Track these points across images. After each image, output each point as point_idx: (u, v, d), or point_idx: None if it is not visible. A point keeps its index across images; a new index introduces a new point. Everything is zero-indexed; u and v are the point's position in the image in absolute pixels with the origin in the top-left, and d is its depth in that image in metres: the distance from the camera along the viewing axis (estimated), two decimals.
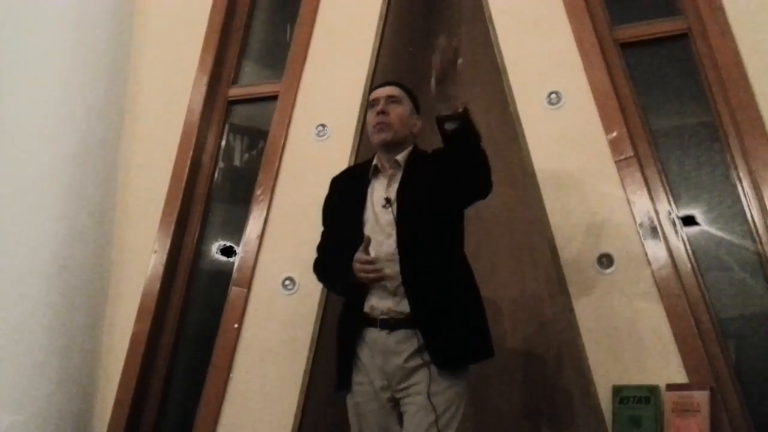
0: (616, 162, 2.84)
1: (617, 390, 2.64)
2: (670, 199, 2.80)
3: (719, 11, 2.84)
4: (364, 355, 2.32)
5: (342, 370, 2.37)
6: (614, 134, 2.86)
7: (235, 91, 3.65)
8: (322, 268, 2.54)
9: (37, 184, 3.29)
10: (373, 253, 2.26)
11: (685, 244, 2.74)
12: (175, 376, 3.38)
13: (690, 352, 2.60)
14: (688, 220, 2.79)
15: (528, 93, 3.02)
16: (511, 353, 3.21)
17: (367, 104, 2.56)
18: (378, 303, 2.29)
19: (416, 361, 2.23)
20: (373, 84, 3.25)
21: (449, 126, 2.13)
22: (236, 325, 3.17)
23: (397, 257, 2.27)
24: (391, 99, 2.45)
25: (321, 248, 2.56)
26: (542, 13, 3.08)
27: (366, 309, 2.31)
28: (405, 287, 2.25)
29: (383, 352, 2.27)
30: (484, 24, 3.20)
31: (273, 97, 3.49)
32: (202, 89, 3.56)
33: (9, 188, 3.27)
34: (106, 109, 3.55)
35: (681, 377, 2.59)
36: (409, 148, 2.45)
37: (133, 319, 3.32)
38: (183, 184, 3.45)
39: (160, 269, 3.35)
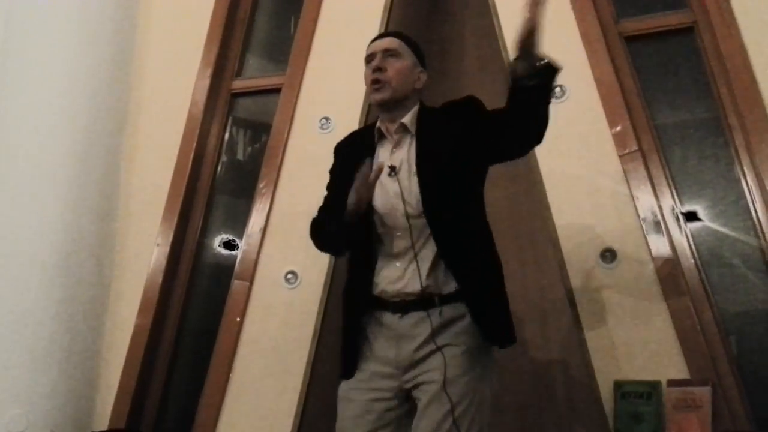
0: (620, 156, 2.83)
1: (619, 385, 2.63)
2: (674, 194, 2.80)
3: (725, 5, 2.82)
4: (376, 341, 2.12)
5: (349, 357, 2.15)
6: (618, 128, 2.85)
7: (238, 84, 3.64)
8: (317, 224, 2.29)
9: (40, 175, 3.30)
10: (382, 229, 2.11)
11: (688, 240, 2.74)
12: (177, 369, 3.38)
13: (692, 347, 2.60)
14: (692, 216, 2.78)
15: None
16: (513, 347, 3.19)
17: (365, 60, 2.26)
18: (388, 286, 2.08)
19: (430, 347, 2.03)
20: None
21: (528, 81, 1.95)
22: (238, 319, 3.17)
23: (408, 231, 2.08)
24: (388, 53, 2.18)
25: (321, 209, 2.32)
26: (547, 6, 3.05)
27: (376, 292, 2.11)
28: (418, 262, 2.05)
29: (396, 338, 2.07)
30: (489, 17, 3.19)
31: (276, 90, 3.48)
32: (206, 82, 3.56)
33: (12, 179, 3.29)
34: (110, 101, 3.55)
35: (683, 373, 2.59)
36: (415, 108, 2.20)
37: (135, 312, 3.33)
38: (186, 177, 3.45)
39: (163, 262, 3.36)
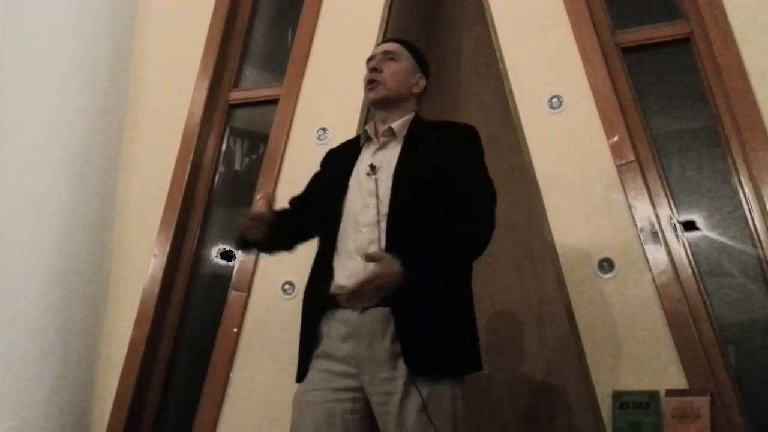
0: (617, 166, 2.82)
1: (617, 395, 2.62)
2: (671, 203, 2.79)
3: (721, 16, 2.83)
4: (333, 341, 2.05)
5: (304, 358, 2.10)
6: (615, 138, 2.85)
7: (235, 95, 3.64)
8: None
9: (36, 187, 3.29)
10: (350, 224, 2.07)
11: (686, 249, 2.73)
12: (173, 380, 3.36)
13: (690, 357, 2.59)
14: (689, 225, 2.78)
15: (529, 97, 3.01)
16: (511, 358, 3.21)
17: (366, 64, 2.30)
18: (348, 281, 1.99)
19: (396, 347, 1.96)
20: None
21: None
22: (235, 330, 3.16)
23: (376, 229, 2.03)
24: (387, 55, 2.23)
25: (291, 199, 2.33)
26: (544, 16, 3.08)
27: (334, 288, 2.04)
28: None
29: (355, 335, 2.00)
30: (486, 28, 3.19)
31: (274, 101, 3.48)
32: (203, 93, 3.55)
33: (8, 192, 3.28)
34: (107, 112, 3.55)
35: (681, 383, 2.58)
36: (409, 117, 2.21)
37: (132, 324, 3.31)
38: (183, 187, 3.44)
39: (160, 273, 3.34)
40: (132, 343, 3.29)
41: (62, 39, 3.48)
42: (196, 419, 3.15)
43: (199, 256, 3.48)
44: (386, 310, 1.98)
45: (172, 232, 3.39)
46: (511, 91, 3.04)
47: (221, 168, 3.60)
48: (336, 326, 2.05)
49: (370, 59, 2.27)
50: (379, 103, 2.22)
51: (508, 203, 3.20)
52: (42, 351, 3.14)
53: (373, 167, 2.12)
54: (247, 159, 3.65)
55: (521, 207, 3.17)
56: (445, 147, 2.13)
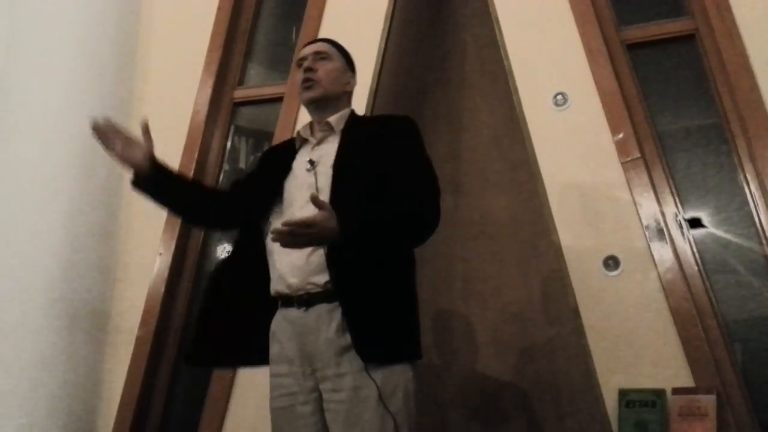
0: (622, 163, 2.82)
1: (623, 394, 2.62)
2: (677, 201, 2.79)
3: (726, 12, 2.82)
4: (281, 342, 2.05)
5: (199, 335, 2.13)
6: (620, 136, 2.84)
7: (240, 93, 3.64)
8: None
9: (41, 184, 3.29)
10: (287, 214, 2.04)
11: (691, 247, 2.73)
12: (179, 379, 3.36)
13: (696, 355, 2.59)
14: (695, 223, 2.77)
15: (534, 94, 3.01)
16: (516, 357, 3.20)
17: (296, 64, 2.31)
18: (292, 278, 2.00)
19: (342, 341, 1.95)
20: (379, 86, 3.24)
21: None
22: None
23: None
24: (318, 55, 2.23)
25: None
26: (548, 14, 3.07)
27: (279, 287, 2.04)
28: (326, 256, 1.96)
29: (302, 333, 1.99)
30: (491, 25, 3.19)
31: (278, 99, 3.48)
32: (208, 91, 3.55)
33: (14, 191, 3.27)
34: (111, 110, 3.51)
35: (687, 381, 2.58)
36: (345, 112, 2.22)
37: (137, 323, 3.31)
38: None
39: (165, 272, 3.34)
40: (138, 343, 3.29)
41: (67, 37, 3.47)
42: (202, 418, 3.15)
43: (204, 255, 3.48)
44: (330, 305, 1.98)
45: (177, 230, 3.39)
46: (515, 89, 3.03)
47: (226, 166, 3.60)
48: (284, 326, 2.05)
49: (301, 60, 2.26)
50: (316, 102, 2.21)
51: (513, 201, 3.21)
52: (48, 350, 3.14)
53: (312, 162, 2.11)
54: (251, 157, 3.64)
55: (526, 204, 3.17)
56: (382, 138, 2.14)
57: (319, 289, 1.98)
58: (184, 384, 3.36)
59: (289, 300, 2.03)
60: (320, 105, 2.21)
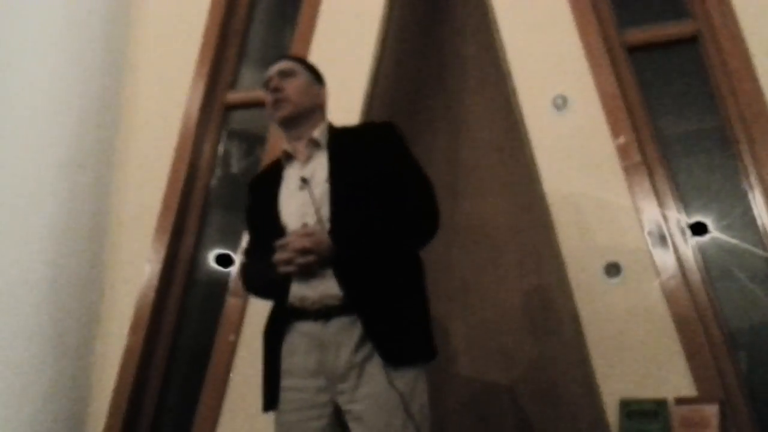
0: (623, 168, 2.81)
1: (625, 404, 2.59)
2: (679, 206, 2.78)
3: (729, 14, 2.82)
4: (297, 355, 2.05)
5: (271, 383, 2.10)
6: (622, 139, 2.83)
7: (233, 96, 3.61)
8: (246, 270, 2.32)
9: (30, 191, 3.25)
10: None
11: (694, 253, 2.71)
12: (170, 387, 3.33)
13: (699, 364, 2.56)
14: (698, 228, 2.76)
15: (534, 97, 2.99)
16: (517, 364, 3.18)
17: (263, 86, 2.33)
18: (308, 291, 2.03)
19: (363, 353, 1.98)
20: (374, 89, 3.23)
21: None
22: (233, 336, 3.12)
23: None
24: (283, 74, 2.25)
25: (246, 253, 2.37)
26: (548, 15, 3.07)
27: (293, 300, 2.06)
28: (336, 270, 2.01)
29: (320, 347, 2.01)
30: (490, 27, 3.18)
31: None
32: (200, 94, 3.52)
33: (1, 197, 3.24)
34: (101, 114, 3.53)
35: (690, 391, 2.55)
36: (324, 124, 2.25)
37: (127, 330, 3.28)
38: (179, 191, 3.40)
39: (155, 279, 3.30)
40: (128, 350, 3.26)
41: (55, 39, 3.44)
42: (194, 426, 3.12)
43: (195, 262, 3.44)
44: (349, 318, 2.00)
45: (168, 236, 3.35)
46: (515, 91, 3.02)
47: (218, 171, 3.57)
48: (300, 340, 2.06)
49: (267, 82, 2.27)
50: (288, 121, 2.23)
51: (513, 205, 3.20)
52: (37, 358, 3.10)
53: (304, 180, 2.12)
54: (244, 161, 3.62)
55: (526, 209, 3.17)
56: (370, 147, 2.16)
57: (336, 302, 2.01)
58: (174, 392, 3.33)
59: (305, 313, 2.05)
60: (293, 122, 2.23)
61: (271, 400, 2.09)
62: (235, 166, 3.61)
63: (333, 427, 2.03)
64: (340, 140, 2.21)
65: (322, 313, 2.02)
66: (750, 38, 2.76)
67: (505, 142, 3.15)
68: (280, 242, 2.01)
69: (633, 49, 3.00)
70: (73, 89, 3.41)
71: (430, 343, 2.08)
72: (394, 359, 1.96)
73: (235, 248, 3.30)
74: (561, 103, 2.93)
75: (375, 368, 1.96)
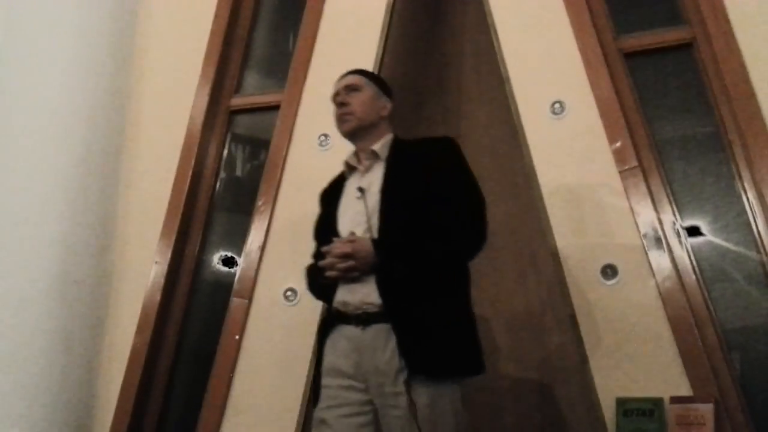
0: (620, 172, 2.82)
1: (621, 402, 2.61)
2: (675, 209, 2.79)
3: (723, 21, 2.82)
4: (338, 356, 2.15)
5: (315, 381, 2.22)
6: (618, 144, 2.85)
7: (237, 101, 3.64)
8: (307, 274, 2.40)
9: (38, 194, 3.29)
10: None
11: (689, 255, 2.73)
12: (175, 387, 3.36)
13: (694, 364, 2.58)
14: (693, 231, 2.77)
15: (531, 102, 3.01)
16: (514, 365, 3.20)
17: (332, 99, 2.43)
18: (350, 297, 2.13)
19: (397, 362, 2.04)
20: None
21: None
22: (237, 336, 3.15)
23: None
24: (350, 88, 2.35)
25: (312, 256, 2.42)
26: (546, 22, 3.07)
27: (337, 305, 2.16)
28: (377, 277, 2.09)
29: (358, 350, 2.10)
30: (488, 34, 3.19)
31: (275, 107, 3.48)
32: (204, 99, 3.55)
33: (9, 199, 3.28)
34: (108, 118, 3.55)
35: (685, 390, 2.57)
36: (388, 138, 2.33)
37: (133, 330, 3.31)
38: (184, 194, 3.44)
39: (161, 280, 3.34)
40: (134, 350, 3.29)
41: (62, 46, 3.48)
42: (198, 425, 3.14)
43: (200, 263, 3.48)
44: (386, 325, 2.07)
45: (173, 238, 3.39)
46: (513, 97, 3.04)
47: (223, 174, 3.60)
48: (341, 342, 2.15)
49: (335, 96, 2.37)
50: (353, 134, 2.33)
51: (511, 209, 3.21)
52: (44, 358, 3.13)
53: (361, 189, 2.21)
54: (248, 165, 3.64)
55: (524, 213, 3.17)
56: (426, 161, 2.22)
57: (376, 309, 2.09)
58: (179, 392, 3.36)
59: (347, 318, 2.14)
60: (358, 135, 2.32)
61: (314, 397, 2.20)
62: (240, 170, 3.64)
63: (373, 427, 2.11)
64: (399, 153, 2.28)
65: (362, 318, 2.11)
66: (744, 44, 2.77)
67: (504, 146, 3.17)
68: (325, 248, 2.12)
69: (629, 55, 3.00)
70: (80, 95, 3.45)
71: (466, 357, 2.12)
72: (419, 372, 2.02)
73: (239, 250, 3.32)
74: (558, 108, 2.95)
75: (402, 377, 2.02)
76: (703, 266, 2.72)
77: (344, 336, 2.14)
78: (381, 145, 2.30)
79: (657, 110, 2.94)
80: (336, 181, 2.43)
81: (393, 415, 2.04)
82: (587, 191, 2.86)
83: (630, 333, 2.69)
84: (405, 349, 2.03)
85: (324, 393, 2.16)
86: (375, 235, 2.12)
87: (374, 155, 2.28)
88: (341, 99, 2.34)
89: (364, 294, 2.11)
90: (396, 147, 2.31)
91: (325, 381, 2.16)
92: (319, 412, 2.15)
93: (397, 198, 2.17)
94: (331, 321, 2.21)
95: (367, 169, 2.28)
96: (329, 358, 2.17)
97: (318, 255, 2.32)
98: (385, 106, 2.37)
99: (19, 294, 3.17)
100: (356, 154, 2.35)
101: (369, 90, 2.36)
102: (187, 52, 3.65)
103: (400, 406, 2.02)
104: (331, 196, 2.37)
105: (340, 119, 2.33)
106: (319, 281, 2.22)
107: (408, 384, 2.01)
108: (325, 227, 2.31)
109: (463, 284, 2.21)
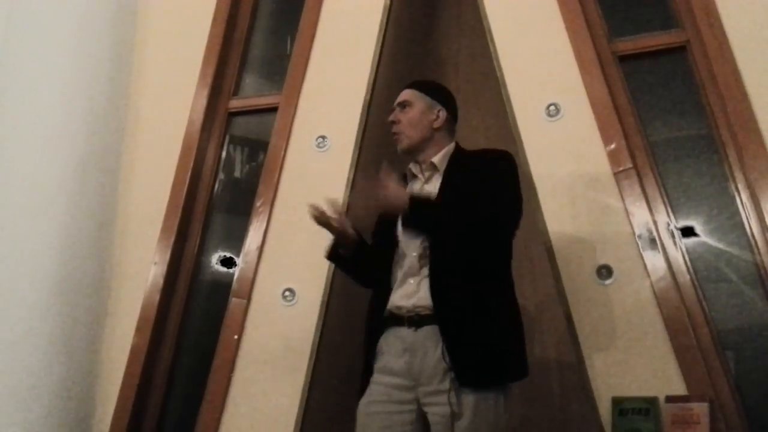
0: (614, 173, 2.84)
1: (617, 402, 2.63)
2: (669, 210, 2.80)
3: (717, 24, 2.84)
4: (390, 355, 2.22)
5: (363, 376, 2.28)
6: (613, 146, 2.86)
7: (235, 103, 3.65)
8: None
9: (37, 195, 3.30)
10: (402, 253, 2.28)
11: (683, 256, 2.74)
12: (174, 387, 3.37)
13: (689, 363, 2.60)
14: (687, 232, 2.78)
15: (527, 105, 3.03)
16: None
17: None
18: (402, 301, 2.22)
19: (445, 364, 2.12)
20: (373, 96, 3.27)
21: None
22: (236, 337, 3.17)
23: (427, 254, 2.22)
24: (402, 105, 2.39)
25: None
26: (541, 25, 3.09)
27: (391, 308, 2.24)
28: (430, 281, 2.18)
29: (410, 350, 2.18)
30: (484, 37, 3.20)
31: (273, 109, 3.49)
32: (203, 101, 3.57)
33: (9, 200, 3.28)
34: (107, 120, 3.56)
35: (680, 389, 2.59)
36: (448, 149, 2.37)
37: (133, 331, 3.32)
38: (183, 195, 3.45)
39: (160, 281, 3.35)
40: (133, 351, 3.30)
41: (62, 48, 3.49)
42: (197, 425, 3.15)
43: (199, 263, 3.49)
44: (437, 327, 2.15)
45: (172, 239, 3.40)
46: (508, 99, 3.05)
47: (221, 175, 3.61)
48: (394, 342, 2.22)
49: (391, 111, 2.41)
50: (408, 152, 2.38)
51: None
52: (43, 358, 3.14)
53: None
54: (247, 166, 3.65)
55: None
56: (479, 174, 2.26)
57: (428, 312, 2.17)
58: (179, 392, 3.37)
59: (400, 320, 2.22)
60: (412, 152, 2.37)
61: (360, 390, 2.26)
62: (238, 171, 3.66)
63: (418, 425, 2.18)
64: (457, 164, 2.32)
65: (414, 320, 2.19)
66: (737, 47, 2.79)
67: (499, 148, 3.19)
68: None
69: (623, 58, 3.02)
70: (79, 96, 3.46)
71: (512, 365, 2.19)
72: (464, 384, 2.09)
73: (238, 250, 3.34)
74: (554, 111, 2.97)
75: (449, 377, 2.09)
76: (698, 266, 2.74)
77: (398, 337, 2.21)
78: (441, 157, 2.34)
79: (651, 112, 2.95)
80: None
81: (435, 413, 2.11)
82: (582, 192, 2.87)
83: (625, 333, 2.70)
84: (452, 356, 2.10)
85: (373, 388, 2.23)
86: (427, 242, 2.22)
87: (433, 167, 2.33)
88: (392, 117, 2.38)
89: (418, 298, 2.19)
90: (455, 158, 2.34)
91: (376, 377, 2.24)
92: (364, 406, 2.23)
93: (449, 200, 2.22)
94: (382, 323, 2.27)
95: (428, 180, 2.34)
96: (385, 358, 2.23)
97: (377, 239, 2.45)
98: (438, 116, 2.37)
99: (19, 294, 3.18)
100: (418, 163, 2.38)
101: (420, 104, 2.38)
102: (186, 54, 3.66)
103: (442, 405, 2.08)
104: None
105: (394, 138, 2.38)
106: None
107: (453, 385, 2.08)
108: (385, 227, 2.37)
109: (509, 281, 2.30)
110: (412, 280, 2.23)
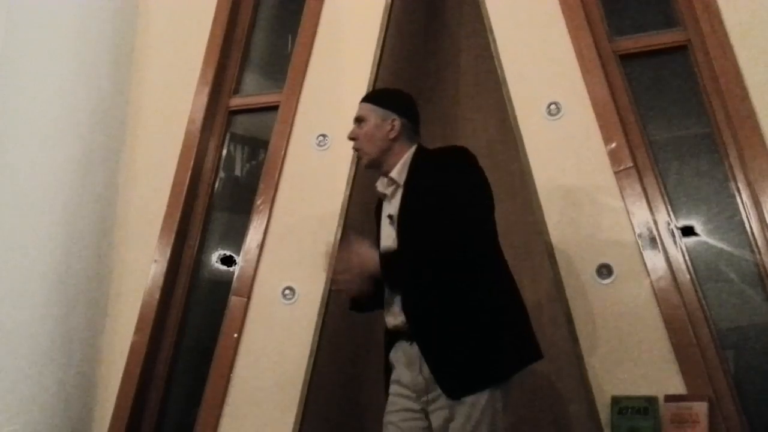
0: (615, 173, 2.84)
1: (616, 401, 2.64)
2: (669, 209, 2.81)
3: (718, 23, 2.84)
4: (398, 367, 2.27)
5: (383, 388, 2.36)
6: (613, 145, 2.87)
7: (236, 101, 3.66)
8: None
9: (37, 193, 3.30)
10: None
11: (684, 255, 2.75)
12: (174, 385, 3.38)
13: (689, 363, 2.60)
14: (687, 231, 2.79)
15: (528, 104, 3.03)
16: None
17: None
18: (391, 319, 2.26)
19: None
20: None
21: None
22: (236, 335, 3.17)
23: None
24: (357, 121, 2.36)
25: None
26: (542, 24, 3.09)
27: (389, 324, 2.28)
28: (402, 301, 2.20)
29: (410, 363, 2.22)
30: (485, 36, 3.21)
31: (274, 107, 3.49)
32: (204, 99, 3.57)
33: (9, 198, 3.28)
34: (108, 118, 3.56)
35: (680, 388, 2.59)
36: (406, 158, 2.30)
37: (132, 329, 3.32)
38: (184, 193, 3.46)
39: (160, 279, 3.35)
40: (133, 349, 3.31)
41: (63, 46, 3.49)
42: (197, 423, 3.15)
43: (199, 262, 3.50)
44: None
45: (172, 237, 3.40)
46: (509, 98, 3.05)
47: (222, 174, 3.61)
48: (399, 356, 2.27)
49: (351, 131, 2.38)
50: (370, 167, 2.37)
51: (507, 209, 3.22)
52: (43, 356, 3.15)
53: (391, 216, 2.28)
54: (247, 165, 3.66)
55: (520, 213, 3.18)
56: (433, 179, 2.21)
57: (407, 329, 2.21)
58: (178, 390, 3.37)
59: (401, 333, 2.24)
60: (375, 166, 2.35)
61: (385, 396, 2.32)
62: (238, 169, 3.66)
63: (423, 430, 2.21)
64: (417, 172, 2.27)
65: (408, 334, 2.21)
66: (738, 46, 2.79)
67: (500, 147, 3.19)
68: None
69: (624, 57, 3.02)
70: (80, 94, 3.46)
71: (496, 367, 2.14)
72: (448, 391, 2.12)
73: (238, 249, 3.34)
74: (554, 110, 2.97)
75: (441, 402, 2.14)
76: (698, 266, 2.74)
77: (402, 350, 2.25)
78: (398, 169, 2.29)
79: (652, 111, 2.96)
80: (380, 201, 2.43)
81: (435, 419, 2.15)
82: (583, 191, 2.88)
83: (625, 332, 2.71)
84: (432, 371, 2.13)
85: (390, 399, 2.28)
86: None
87: (393, 182, 2.30)
88: (350, 134, 2.36)
89: (398, 317, 2.22)
90: (414, 165, 2.29)
91: (392, 388, 2.28)
92: (386, 416, 2.27)
93: (408, 223, 2.21)
94: (392, 336, 2.30)
95: (392, 196, 2.31)
96: (397, 370, 2.27)
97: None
98: (393, 126, 2.31)
99: (19, 293, 3.18)
100: (384, 177, 2.34)
101: (373, 118, 2.33)
102: (187, 52, 3.66)
103: (440, 410, 2.13)
104: (377, 216, 2.42)
105: (356, 154, 2.40)
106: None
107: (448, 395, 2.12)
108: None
109: (492, 270, 2.24)
110: (393, 300, 2.24)
